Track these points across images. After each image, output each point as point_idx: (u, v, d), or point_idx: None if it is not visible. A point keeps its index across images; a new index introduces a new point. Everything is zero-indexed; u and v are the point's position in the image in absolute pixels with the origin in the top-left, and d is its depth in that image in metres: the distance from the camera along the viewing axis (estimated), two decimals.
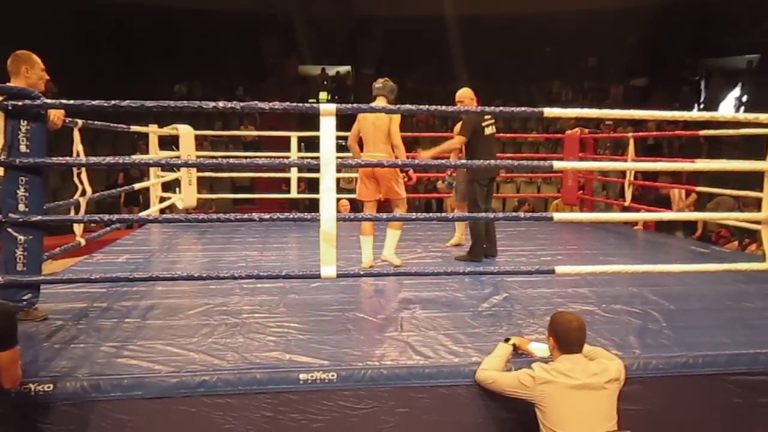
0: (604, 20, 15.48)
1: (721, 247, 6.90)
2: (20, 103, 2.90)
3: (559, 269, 3.66)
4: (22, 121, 2.93)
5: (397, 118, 4.66)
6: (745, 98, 15.62)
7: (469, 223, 5.28)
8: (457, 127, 5.48)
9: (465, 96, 5.18)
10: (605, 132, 8.25)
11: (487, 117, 5.13)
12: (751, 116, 3.80)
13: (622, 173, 7.49)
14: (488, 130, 5.15)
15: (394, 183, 4.76)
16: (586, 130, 8.33)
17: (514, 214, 6.84)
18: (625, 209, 7.35)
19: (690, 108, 15.59)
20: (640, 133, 8.77)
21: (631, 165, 6.94)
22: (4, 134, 2.95)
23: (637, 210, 7.26)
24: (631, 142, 7.22)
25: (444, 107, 3.59)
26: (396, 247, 4.88)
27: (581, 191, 8.18)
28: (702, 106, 16.11)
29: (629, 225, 7.39)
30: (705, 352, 3.00)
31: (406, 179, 4.85)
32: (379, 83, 4.82)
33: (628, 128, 8.88)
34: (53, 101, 3.07)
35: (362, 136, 4.78)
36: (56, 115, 3.47)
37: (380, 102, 4.73)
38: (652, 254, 5.91)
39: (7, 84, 3.24)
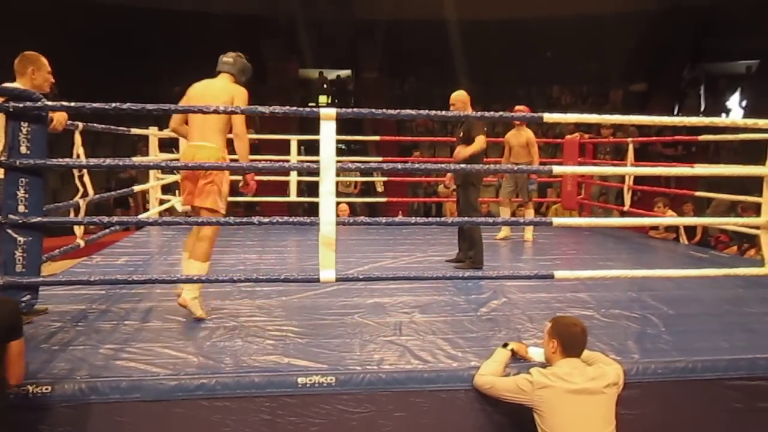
0: (605, 25, 15.51)
1: (720, 252, 6.91)
2: (21, 105, 2.90)
3: (558, 274, 3.66)
4: (23, 122, 2.93)
5: (243, 99, 3.60)
6: (744, 103, 15.66)
7: (469, 230, 5.09)
8: (471, 130, 5.03)
9: (461, 99, 5.06)
10: (605, 137, 8.27)
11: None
12: (750, 121, 3.82)
13: (621, 178, 7.50)
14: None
15: (217, 188, 3.55)
16: (586, 135, 8.34)
17: (513, 218, 6.86)
18: (624, 214, 7.36)
19: (689, 113, 15.63)
20: (639, 138, 8.79)
21: (630, 170, 6.96)
22: (5, 135, 2.95)
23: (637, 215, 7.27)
24: (630, 148, 7.24)
25: (444, 112, 3.59)
26: (199, 288, 3.56)
27: (580, 196, 8.19)
28: (702, 111, 16.15)
29: (633, 230, 7.41)
30: (704, 357, 3.00)
31: (241, 185, 3.72)
32: (229, 57, 3.79)
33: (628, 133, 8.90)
34: (54, 103, 3.07)
35: (190, 119, 3.68)
36: (59, 120, 3.50)
37: (223, 80, 3.70)
38: (651, 259, 5.91)
39: (12, 84, 3.25)
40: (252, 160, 3.87)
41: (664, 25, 15.78)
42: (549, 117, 3.61)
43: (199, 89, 3.68)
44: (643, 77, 16.84)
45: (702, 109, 16.23)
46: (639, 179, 7.85)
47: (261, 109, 3.29)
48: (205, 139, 3.55)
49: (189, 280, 3.47)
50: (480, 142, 4.89)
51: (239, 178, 3.76)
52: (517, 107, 6.65)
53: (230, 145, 3.69)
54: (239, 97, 3.58)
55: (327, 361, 2.87)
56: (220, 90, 3.61)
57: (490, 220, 5.79)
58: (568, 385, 2.53)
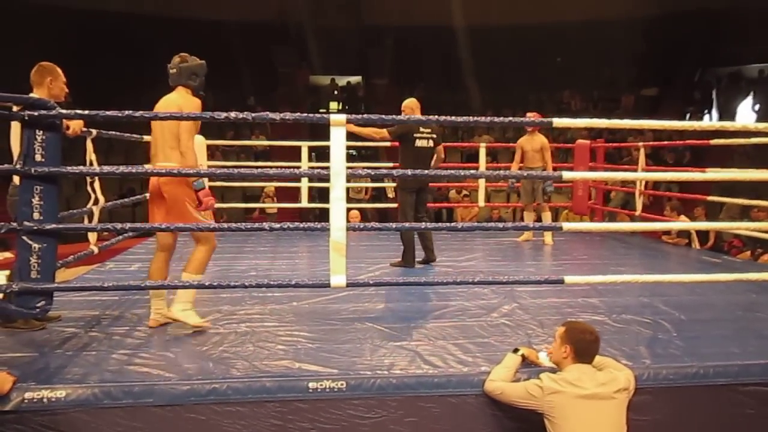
0: (615, 30, 15.47)
1: (733, 257, 6.85)
2: (36, 113, 2.95)
3: (569, 279, 3.65)
4: (37, 130, 2.97)
5: (192, 111, 3.41)
6: (757, 107, 15.54)
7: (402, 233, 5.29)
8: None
9: (407, 106, 5.35)
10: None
11: (423, 130, 5.21)
12: (762, 125, 3.80)
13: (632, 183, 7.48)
14: (420, 143, 5.22)
15: (189, 206, 3.43)
16: (599, 141, 8.33)
17: (523, 223, 6.85)
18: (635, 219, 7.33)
19: (701, 117, 15.55)
20: (652, 143, 8.75)
21: (641, 175, 6.94)
22: (20, 144, 3.00)
23: (648, 219, 7.24)
24: (642, 152, 7.21)
25: (454, 117, 3.59)
26: (192, 302, 3.49)
27: (592, 201, 8.17)
28: (716, 115, 16.08)
29: (645, 235, 7.37)
30: (716, 363, 2.98)
31: (196, 204, 3.48)
32: (172, 68, 3.49)
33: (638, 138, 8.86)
34: (68, 111, 3.12)
35: (152, 139, 3.58)
36: (74, 129, 3.58)
37: (177, 93, 3.51)
38: (663, 264, 5.88)
39: (30, 94, 3.31)
40: (262, 167, 3.89)
41: (676, 30, 15.71)
42: (559, 122, 3.62)
43: (156, 109, 3.48)
44: (654, 82, 16.78)
45: (715, 113, 16.15)
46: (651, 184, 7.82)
47: (272, 115, 3.32)
48: (167, 158, 3.44)
49: (201, 286, 3.50)
50: (382, 133, 5.21)
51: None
52: (529, 113, 6.73)
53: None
54: (188, 109, 3.38)
55: (338, 366, 2.88)
56: (171, 104, 3.45)
57: (496, 225, 5.78)
58: (579, 391, 2.52)
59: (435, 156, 5.35)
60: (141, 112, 3.15)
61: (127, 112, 3.12)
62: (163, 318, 3.53)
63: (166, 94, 3.53)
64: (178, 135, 3.38)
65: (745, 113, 15.87)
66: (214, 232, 3.59)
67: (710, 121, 15.06)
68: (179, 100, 3.45)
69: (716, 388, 2.93)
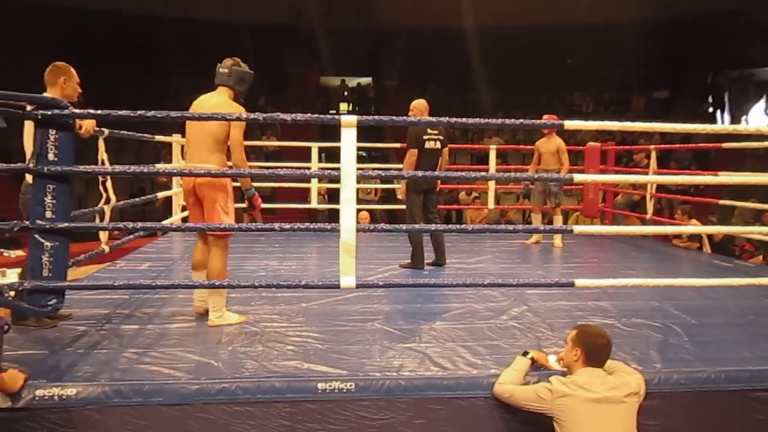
0: (627, 32, 15.41)
1: (745, 261, 6.81)
2: (49, 113, 2.97)
3: (579, 282, 3.63)
4: (50, 130, 2.99)
5: (238, 122, 3.44)
6: None
7: (410, 235, 5.27)
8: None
9: (417, 107, 5.30)
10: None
11: (431, 132, 5.20)
12: None
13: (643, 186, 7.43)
14: (429, 144, 5.20)
15: (220, 208, 3.54)
16: (610, 143, 8.30)
17: (533, 226, 6.83)
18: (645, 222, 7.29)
19: (714, 120, 15.45)
20: (663, 146, 8.71)
21: (652, 178, 6.90)
22: (33, 143, 3.02)
23: (659, 223, 7.20)
24: (653, 155, 7.18)
25: (464, 119, 3.59)
26: (224, 305, 3.60)
27: (602, 204, 8.13)
28: (728, 118, 15.98)
29: (655, 238, 7.33)
30: (727, 368, 2.95)
31: (248, 207, 3.72)
32: (224, 68, 3.60)
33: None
34: (81, 111, 3.14)
35: (187, 137, 3.61)
36: (86, 129, 3.61)
37: (220, 95, 3.59)
38: (674, 268, 5.84)
39: (43, 94, 3.34)
40: (273, 168, 3.91)
41: (687, 32, 15.63)
42: (570, 124, 3.61)
43: (195, 107, 3.59)
44: (666, 84, 16.71)
45: (727, 116, 16.05)
46: (662, 187, 7.77)
47: (283, 116, 3.32)
48: (202, 159, 3.50)
49: (212, 285, 3.51)
50: (409, 157, 5.13)
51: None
52: (545, 116, 6.72)
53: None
54: (235, 122, 3.42)
55: (347, 367, 2.88)
56: (214, 108, 3.50)
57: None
58: (589, 394, 2.51)
59: (441, 159, 5.34)
60: (153, 111, 3.16)
61: (139, 112, 3.14)
62: (205, 304, 3.63)
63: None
64: (219, 139, 3.47)
65: (758, 116, 15.77)
66: (229, 237, 3.68)
67: (722, 124, 14.98)
68: (224, 106, 3.50)
69: (727, 393, 2.91)
